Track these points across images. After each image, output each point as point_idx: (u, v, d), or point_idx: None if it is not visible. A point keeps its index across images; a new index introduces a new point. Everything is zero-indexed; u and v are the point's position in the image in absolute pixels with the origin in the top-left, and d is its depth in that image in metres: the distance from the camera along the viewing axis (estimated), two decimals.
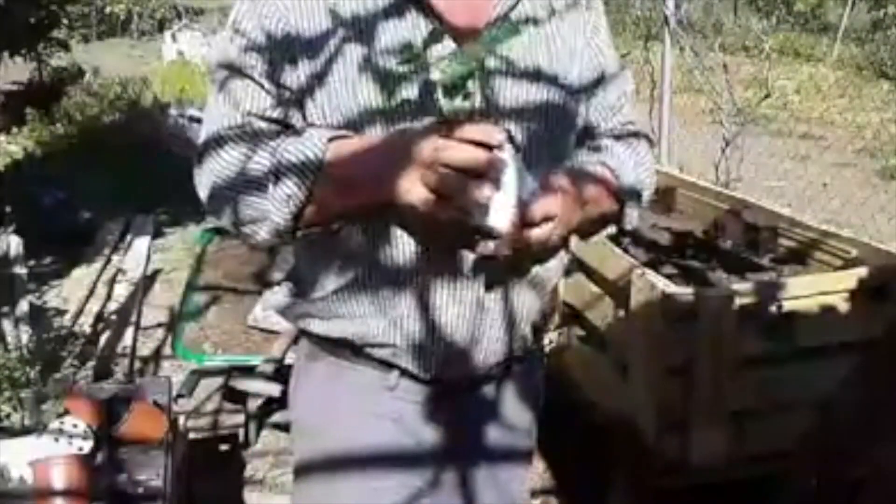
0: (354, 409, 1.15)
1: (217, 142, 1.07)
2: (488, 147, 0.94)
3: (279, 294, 1.25)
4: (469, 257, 1.07)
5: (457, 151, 0.93)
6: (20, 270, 3.21)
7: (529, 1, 1.11)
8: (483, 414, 1.21)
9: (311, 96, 1.06)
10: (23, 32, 6.69)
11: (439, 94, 0.96)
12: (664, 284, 1.93)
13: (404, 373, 1.13)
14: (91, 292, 4.00)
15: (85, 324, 3.67)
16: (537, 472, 2.81)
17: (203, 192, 1.10)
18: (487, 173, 0.94)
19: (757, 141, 5.00)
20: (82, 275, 4.37)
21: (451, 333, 1.10)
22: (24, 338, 3.07)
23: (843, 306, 2.02)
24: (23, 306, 3.20)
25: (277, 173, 1.02)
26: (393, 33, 1.04)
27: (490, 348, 1.13)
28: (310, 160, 1.01)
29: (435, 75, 0.96)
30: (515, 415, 1.24)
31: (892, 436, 1.95)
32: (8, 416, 1.91)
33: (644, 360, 2.01)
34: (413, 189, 0.96)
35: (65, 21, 8.58)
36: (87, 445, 1.77)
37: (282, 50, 1.05)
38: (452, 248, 1.07)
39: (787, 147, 5.99)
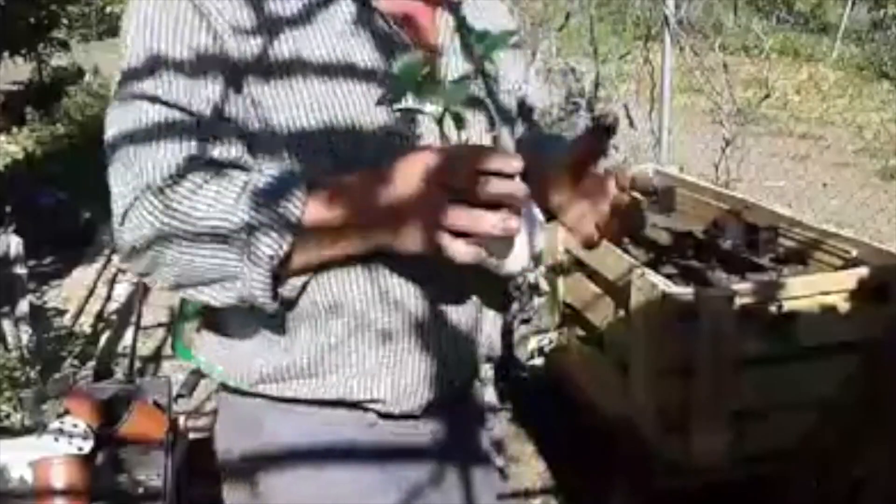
0: (334, 449, 1.03)
1: (157, 182, 0.86)
2: (509, 176, 0.82)
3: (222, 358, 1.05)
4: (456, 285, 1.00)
5: (494, 185, 0.80)
6: (20, 270, 3.21)
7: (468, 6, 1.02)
8: (455, 435, 1.14)
9: (262, 122, 0.91)
10: (23, 32, 6.70)
11: (441, 125, 0.85)
12: (664, 284, 1.93)
13: (379, 413, 1.04)
14: (91, 292, 4.00)
15: (85, 324, 3.67)
16: (537, 472, 2.82)
17: (132, 243, 0.88)
18: (519, 207, 0.83)
19: (757, 141, 5.00)
20: (82, 275, 4.38)
21: (437, 368, 1.04)
22: (24, 338, 3.07)
23: (843, 306, 2.02)
24: (23, 306, 3.20)
25: (251, 226, 0.85)
26: (360, 50, 0.95)
27: (462, 372, 1.10)
28: (292, 208, 0.85)
29: (429, 108, 0.85)
30: (477, 436, 1.20)
31: (893, 436, 1.95)
32: (8, 416, 1.91)
33: (644, 360, 2.01)
34: (435, 230, 0.83)
35: (65, 21, 8.60)
36: (87, 445, 1.77)
37: (226, 62, 0.90)
38: (451, 281, 0.99)
39: (787, 147, 5.99)
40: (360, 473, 1.04)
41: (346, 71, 0.94)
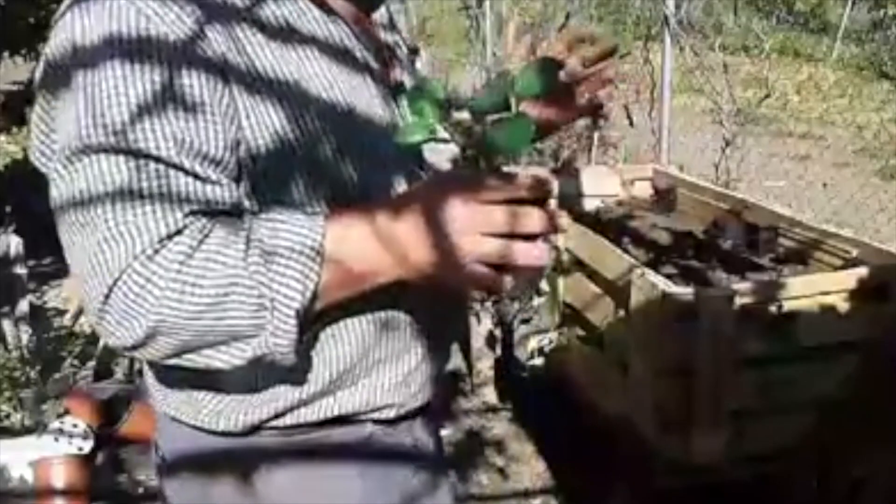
0: (318, 481, 1.00)
1: (150, 246, 0.77)
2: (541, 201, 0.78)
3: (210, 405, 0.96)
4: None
5: (533, 219, 0.77)
6: (20, 270, 3.21)
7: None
8: (427, 441, 1.16)
9: (259, 159, 0.84)
10: (23, 32, 6.69)
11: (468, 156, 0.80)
12: (664, 284, 1.93)
13: (377, 421, 1.03)
14: None
15: (85, 324, 3.67)
16: (537, 472, 2.82)
17: (122, 320, 0.77)
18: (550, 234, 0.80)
19: (757, 141, 5.00)
20: None
21: (432, 369, 1.06)
22: (24, 338, 3.07)
23: (843, 306, 2.02)
24: (23, 306, 3.20)
25: (267, 276, 0.77)
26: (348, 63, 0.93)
27: (441, 373, 1.11)
28: (310, 249, 0.78)
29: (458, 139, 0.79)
30: (436, 441, 1.20)
31: (892, 436, 1.96)
32: (8, 416, 1.91)
33: (644, 360, 2.01)
34: (467, 263, 0.77)
35: None
36: (87, 445, 1.77)
37: (221, 102, 0.81)
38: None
39: (787, 147, 5.99)
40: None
41: (342, 83, 0.93)
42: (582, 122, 4.30)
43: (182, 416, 0.99)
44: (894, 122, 6.40)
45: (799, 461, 2.01)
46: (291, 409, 0.95)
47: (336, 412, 0.97)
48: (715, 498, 2.09)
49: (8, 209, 3.35)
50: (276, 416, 0.95)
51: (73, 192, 0.79)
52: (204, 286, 0.77)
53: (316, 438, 0.98)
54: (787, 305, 1.96)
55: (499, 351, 3.11)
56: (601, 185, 3.22)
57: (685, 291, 1.94)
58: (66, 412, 1.80)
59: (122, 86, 0.78)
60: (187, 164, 0.79)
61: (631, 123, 4.23)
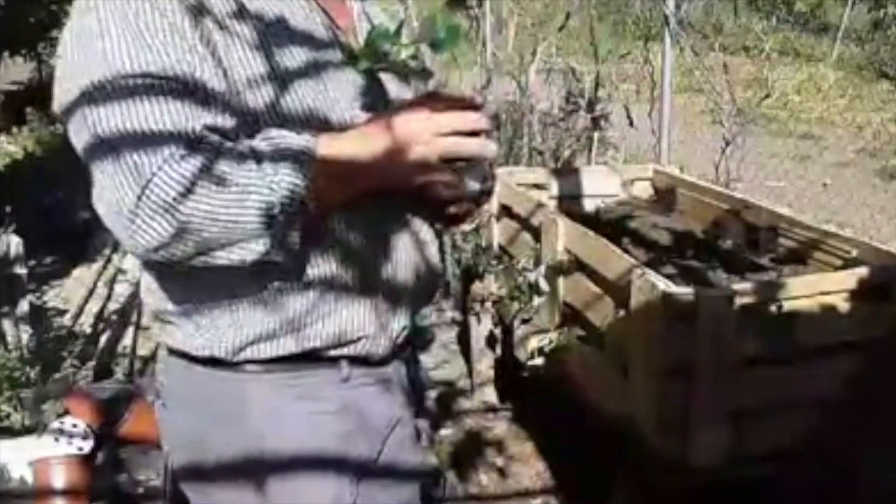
0: (300, 417, 1.07)
1: (179, 148, 0.89)
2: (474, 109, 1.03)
3: (187, 332, 1.07)
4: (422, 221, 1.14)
5: (473, 117, 1.01)
6: (20, 270, 3.21)
7: None
8: (409, 379, 1.25)
9: (247, 97, 0.98)
10: (23, 32, 6.69)
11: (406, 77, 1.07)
12: (664, 284, 1.92)
13: (354, 360, 1.10)
14: (91, 292, 3.99)
15: (85, 324, 3.67)
16: (537, 472, 2.82)
17: (156, 213, 0.87)
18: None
19: (757, 141, 5.00)
20: (82, 275, 4.37)
21: (405, 302, 1.14)
22: (24, 338, 3.07)
23: (843, 306, 2.02)
24: (23, 306, 3.20)
25: (274, 182, 0.91)
26: (303, 27, 1.05)
27: (421, 298, 1.19)
28: (304, 153, 0.94)
29: (401, 54, 1.03)
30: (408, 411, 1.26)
31: (892, 435, 1.95)
32: (8, 416, 1.91)
33: (644, 360, 2.01)
34: (427, 164, 1.00)
35: (65, 21, 8.59)
36: (87, 445, 1.77)
37: (202, 41, 0.95)
38: (422, 215, 1.14)
39: (787, 147, 5.99)
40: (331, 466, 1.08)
41: (322, 69, 1.04)
42: (582, 122, 4.31)
43: (177, 345, 1.10)
44: (894, 122, 6.40)
45: (799, 461, 2.01)
46: (267, 337, 1.04)
47: (311, 344, 1.06)
48: (715, 498, 2.09)
49: (8, 209, 3.35)
50: (256, 342, 1.04)
51: (101, 118, 0.90)
52: (228, 184, 0.89)
53: (295, 375, 1.07)
54: (787, 305, 1.96)
55: (499, 351, 3.11)
56: (601, 185, 3.22)
57: (685, 291, 1.94)
58: (66, 412, 1.80)
59: (134, 22, 0.92)
60: (199, 83, 0.92)
61: (631, 123, 4.24)
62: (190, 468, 1.14)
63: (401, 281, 1.12)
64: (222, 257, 0.92)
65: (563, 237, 2.45)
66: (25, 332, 3.11)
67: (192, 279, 1.00)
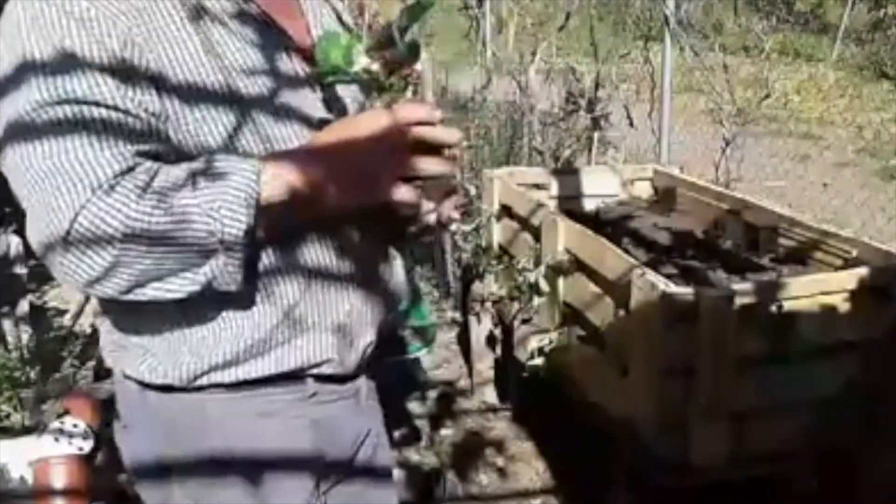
0: (265, 435, 1.05)
1: (107, 181, 0.84)
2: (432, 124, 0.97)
3: (140, 360, 1.03)
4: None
5: (434, 133, 0.95)
6: (20, 270, 3.21)
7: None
8: (374, 398, 1.23)
9: (177, 118, 0.92)
10: None
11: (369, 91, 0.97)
12: (664, 284, 1.92)
13: (318, 377, 1.07)
14: None
15: (85, 324, 3.67)
16: (537, 472, 2.82)
17: (84, 250, 0.83)
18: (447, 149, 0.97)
19: (757, 141, 5.00)
20: None
21: (370, 320, 1.12)
22: (24, 338, 3.07)
23: (843, 306, 2.02)
24: (23, 306, 3.20)
25: (213, 207, 0.86)
26: (251, 44, 0.99)
27: (378, 328, 1.16)
28: (249, 186, 0.88)
29: (357, 67, 0.95)
30: (378, 419, 1.25)
31: (893, 436, 1.96)
32: (8, 416, 1.91)
33: (644, 360, 2.01)
34: (393, 181, 0.94)
35: None
36: (87, 445, 1.77)
37: (136, 64, 0.89)
38: (383, 233, 1.10)
39: (787, 147, 5.98)
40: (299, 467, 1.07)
41: (261, 74, 0.98)
42: (582, 122, 4.30)
43: (131, 372, 1.05)
44: (894, 122, 6.40)
45: (799, 461, 2.01)
46: (228, 364, 1.00)
47: (271, 371, 1.02)
48: (715, 498, 2.09)
49: (8, 209, 3.35)
50: (212, 370, 1.00)
51: (27, 151, 0.85)
52: (160, 216, 0.84)
53: (259, 393, 1.03)
54: (787, 305, 1.96)
55: (499, 351, 3.11)
56: (601, 185, 3.22)
57: (685, 291, 1.94)
58: (66, 412, 1.80)
59: (56, 45, 0.86)
60: (132, 108, 0.87)
61: (631, 123, 4.24)
62: (150, 491, 1.11)
63: (363, 302, 1.09)
64: (161, 289, 0.88)
65: (563, 237, 2.45)
66: (25, 332, 3.11)
67: (140, 308, 0.94)
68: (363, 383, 1.17)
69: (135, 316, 1.00)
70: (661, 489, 2.03)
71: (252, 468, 1.04)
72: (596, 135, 4.25)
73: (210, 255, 0.87)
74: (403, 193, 0.94)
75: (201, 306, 0.96)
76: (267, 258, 0.98)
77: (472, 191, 3.95)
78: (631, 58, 4.64)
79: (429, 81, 4.16)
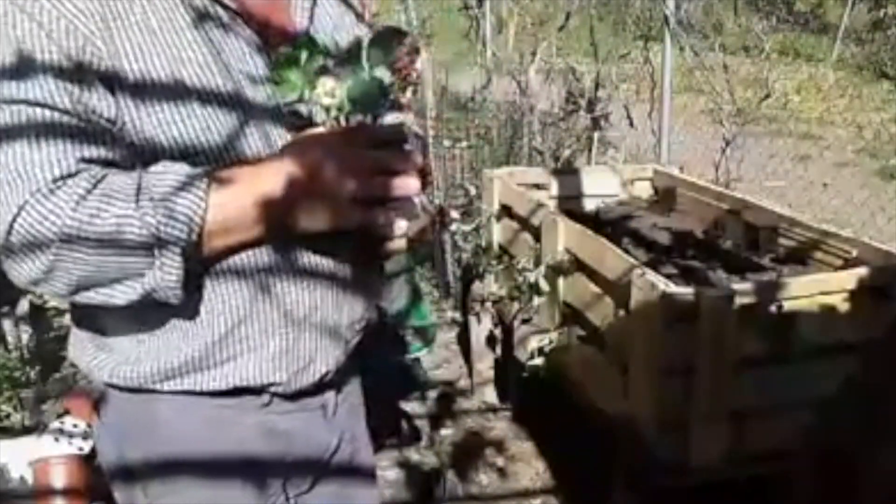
0: (216, 442, 1.04)
1: (46, 184, 0.84)
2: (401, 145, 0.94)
3: (101, 360, 1.03)
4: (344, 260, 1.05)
5: (396, 157, 0.92)
6: None
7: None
8: (355, 401, 1.22)
9: (134, 123, 0.90)
10: None
11: (326, 113, 0.90)
12: (664, 284, 1.93)
13: (274, 393, 1.06)
14: None
15: None
16: (537, 472, 2.82)
17: (24, 252, 0.84)
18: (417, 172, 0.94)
19: (757, 141, 5.00)
20: None
21: (327, 347, 1.08)
22: (24, 338, 3.07)
23: (843, 306, 2.02)
24: (23, 306, 3.20)
25: (156, 217, 0.84)
26: (232, 46, 0.96)
27: (344, 347, 1.12)
28: (195, 194, 0.86)
29: (325, 100, 0.90)
30: (357, 422, 1.24)
31: (893, 436, 1.95)
32: (8, 416, 1.91)
33: (644, 360, 2.01)
34: (347, 202, 0.89)
35: None
36: (87, 445, 1.77)
37: (94, 69, 0.87)
38: (349, 256, 1.05)
39: (787, 147, 5.98)
40: (252, 470, 1.06)
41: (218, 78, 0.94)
42: (582, 122, 4.30)
43: (95, 371, 1.05)
44: (894, 122, 6.40)
45: (799, 461, 2.01)
46: (177, 373, 0.99)
47: (222, 385, 1.01)
48: (715, 498, 2.09)
49: None
50: (166, 378, 1.00)
51: None
52: (98, 224, 0.83)
53: (215, 403, 1.02)
54: (787, 305, 1.96)
55: (499, 351, 3.11)
56: (601, 185, 3.22)
57: (685, 291, 1.94)
58: (66, 412, 1.80)
59: (18, 44, 0.85)
60: (82, 113, 0.86)
61: (631, 123, 4.23)
62: (119, 492, 1.11)
63: (320, 326, 1.05)
64: (106, 294, 0.88)
65: (563, 237, 2.45)
66: (25, 332, 3.11)
67: (97, 309, 0.94)
68: (331, 397, 1.14)
69: (94, 315, 1.01)
70: (661, 489, 2.03)
71: (203, 472, 1.04)
72: (596, 135, 4.25)
73: (149, 266, 0.86)
74: (367, 216, 0.91)
75: (154, 312, 0.95)
76: (213, 274, 0.96)
77: (472, 191, 3.95)
78: (631, 58, 4.63)
79: (429, 81, 4.15)
